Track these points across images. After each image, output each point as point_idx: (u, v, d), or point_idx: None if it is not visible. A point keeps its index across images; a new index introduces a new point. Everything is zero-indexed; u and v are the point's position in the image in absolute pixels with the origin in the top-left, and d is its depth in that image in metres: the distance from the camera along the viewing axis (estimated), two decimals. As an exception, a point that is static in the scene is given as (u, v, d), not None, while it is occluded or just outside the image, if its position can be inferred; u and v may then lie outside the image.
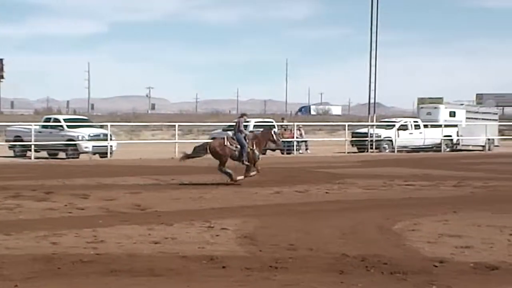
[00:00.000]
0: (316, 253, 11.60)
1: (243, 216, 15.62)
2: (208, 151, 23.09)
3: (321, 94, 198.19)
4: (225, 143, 22.91)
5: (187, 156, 23.72)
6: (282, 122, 46.33)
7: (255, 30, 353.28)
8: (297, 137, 42.35)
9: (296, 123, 44.96)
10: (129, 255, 11.29)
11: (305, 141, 43.97)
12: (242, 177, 22.77)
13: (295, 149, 41.75)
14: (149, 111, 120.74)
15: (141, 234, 13.25)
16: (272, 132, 24.91)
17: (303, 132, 44.35)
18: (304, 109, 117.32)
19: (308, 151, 42.86)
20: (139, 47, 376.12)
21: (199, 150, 23.77)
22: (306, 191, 21.32)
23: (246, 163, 22.92)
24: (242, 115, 25.41)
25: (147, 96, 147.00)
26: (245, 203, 18.27)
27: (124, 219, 15.34)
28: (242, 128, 23.34)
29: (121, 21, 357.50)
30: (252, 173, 22.97)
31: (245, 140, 22.99)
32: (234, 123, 24.38)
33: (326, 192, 21.10)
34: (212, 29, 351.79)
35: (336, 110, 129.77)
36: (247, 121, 44.32)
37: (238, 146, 22.81)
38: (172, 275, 9.96)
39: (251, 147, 23.02)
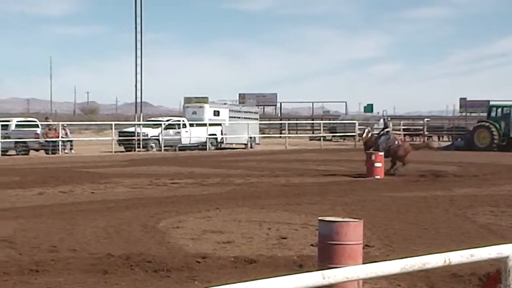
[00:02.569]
0: (79, 254, 11.46)
1: (1, 219, 15.06)
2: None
3: (88, 93, 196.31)
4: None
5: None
6: (47, 121, 45.23)
7: (9, 26, 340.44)
8: (62, 137, 41.53)
9: (61, 123, 44.03)
10: None
11: (71, 141, 43.19)
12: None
13: (60, 148, 40.88)
14: None
15: None
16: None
17: (68, 131, 43.58)
18: None
19: (72, 151, 42.13)
20: None
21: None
22: (70, 191, 20.92)
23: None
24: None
25: None
26: (3, 205, 17.58)
27: None
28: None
29: None
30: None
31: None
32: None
33: (92, 192, 20.84)
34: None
35: None
36: (9, 120, 43.01)
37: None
38: None
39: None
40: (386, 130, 27.13)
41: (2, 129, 39.41)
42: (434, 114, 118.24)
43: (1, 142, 38.81)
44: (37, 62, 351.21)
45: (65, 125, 44.18)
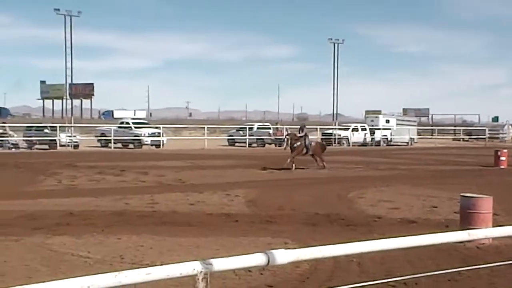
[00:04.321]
0: (297, 212, 11.60)
1: (248, 187, 15.57)
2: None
3: (301, 107, 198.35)
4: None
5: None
6: (276, 125, 46.31)
7: (256, 64, 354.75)
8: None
9: (285, 126, 44.84)
10: (174, 212, 11.34)
11: (290, 138, 43.85)
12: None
13: (284, 143, 41.64)
14: (188, 118, 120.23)
15: (182, 199, 13.29)
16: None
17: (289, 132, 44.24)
18: (107, 113, 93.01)
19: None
20: (180, 76, 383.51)
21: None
22: (290, 171, 21.22)
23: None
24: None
25: (186, 107, 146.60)
26: (249, 179, 18.19)
27: (171, 188, 15.39)
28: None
29: (168, 58, 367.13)
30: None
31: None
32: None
33: (303, 172, 20.96)
34: (225, 64, 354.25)
35: (140, 114, 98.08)
36: (252, 124, 44.46)
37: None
38: (202, 225, 9.99)
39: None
40: (305, 135, 22.64)
41: (249, 130, 41.04)
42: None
43: (248, 139, 40.34)
44: (271, 86, 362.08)
45: (288, 127, 44.93)
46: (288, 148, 22.37)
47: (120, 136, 37.26)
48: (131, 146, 37.16)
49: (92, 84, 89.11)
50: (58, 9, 44.70)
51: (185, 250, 7.98)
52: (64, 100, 57.18)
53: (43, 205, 12.07)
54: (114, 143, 36.78)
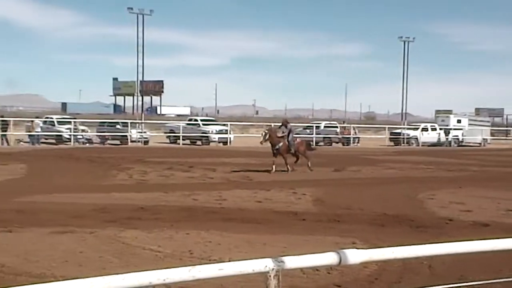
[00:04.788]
0: (364, 212, 11.45)
1: (315, 186, 15.50)
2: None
3: (369, 106, 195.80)
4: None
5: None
6: (343, 124, 45.89)
7: (323, 62, 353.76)
8: (353, 134, 41.97)
9: (352, 125, 44.45)
10: (241, 209, 11.44)
11: (358, 137, 43.41)
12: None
13: (351, 142, 41.29)
14: (254, 115, 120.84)
15: (249, 196, 13.39)
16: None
17: (357, 131, 43.80)
18: (150, 109, 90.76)
19: (358, 144, 42.24)
20: (247, 74, 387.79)
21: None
22: (358, 170, 20.98)
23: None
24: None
25: (253, 105, 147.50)
26: (316, 177, 18.09)
27: (238, 185, 15.51)
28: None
29: (236, 56, 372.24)
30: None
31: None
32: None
33: (372, 172, 20.73)
34: (292, 62, 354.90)
35: (185, 111, 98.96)
36: (319, 122, 44.25)
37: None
38: (269, 223, 10.03)
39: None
40: (289, 131, 20.06)
41: (316, 129, 40.83)
42: None
43: (315, 137, 40.10)
44: (338, 85, 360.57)
45: (355, 126, 44.53)
46: (264, 142, 19.95)
47: (188, 133, 38.03)
48: (199, 143, 37.83)
49: (162, 81, 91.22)
50: (131, 8, 46.17)
51: (252, 247, 8.04)
52: (135, 97, 58.87)
53: (116, 198, 12.49)
54: (183, 139, 37.56)
